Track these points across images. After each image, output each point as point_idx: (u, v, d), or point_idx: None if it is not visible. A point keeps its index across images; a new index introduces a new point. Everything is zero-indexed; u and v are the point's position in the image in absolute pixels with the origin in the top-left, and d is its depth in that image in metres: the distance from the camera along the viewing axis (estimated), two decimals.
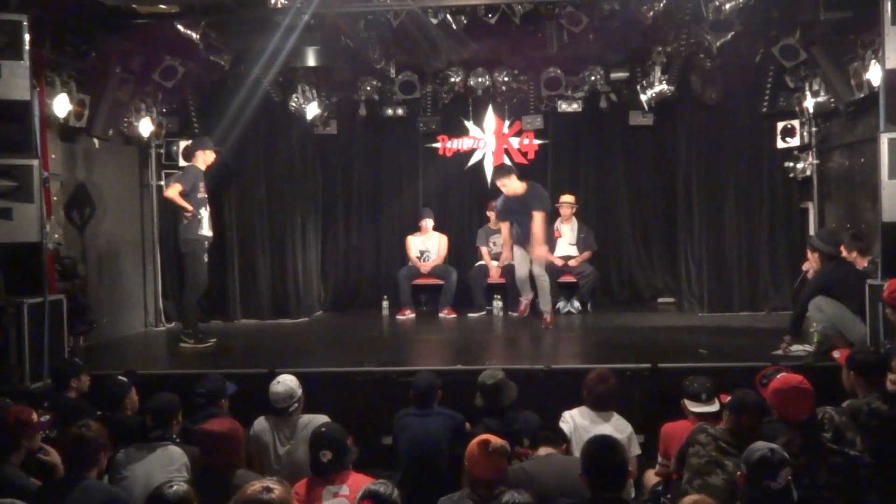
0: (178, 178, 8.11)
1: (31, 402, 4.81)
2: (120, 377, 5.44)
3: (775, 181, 9.48)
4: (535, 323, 8.78)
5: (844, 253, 6.75)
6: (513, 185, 8.31)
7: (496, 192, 10.15)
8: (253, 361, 7.12)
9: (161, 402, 4.66)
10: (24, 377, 5.99)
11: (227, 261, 9.79)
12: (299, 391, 5.07)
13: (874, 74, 6.86)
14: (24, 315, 6.02)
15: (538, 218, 8.14)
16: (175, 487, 3.29)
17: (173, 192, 7.86)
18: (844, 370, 4.69)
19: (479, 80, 9.52)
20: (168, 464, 4.32)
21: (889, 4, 5.90)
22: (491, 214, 9.92)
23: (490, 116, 10.35)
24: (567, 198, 9.86)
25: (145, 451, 4.39)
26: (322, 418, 4.89)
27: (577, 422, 4.92)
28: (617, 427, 4.89)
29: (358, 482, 3.93)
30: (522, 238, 8.36)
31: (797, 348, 6.55)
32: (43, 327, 6.15)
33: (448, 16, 7.83)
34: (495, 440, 3.83)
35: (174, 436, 4.57)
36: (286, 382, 5.06)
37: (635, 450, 4.98)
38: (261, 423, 5.05)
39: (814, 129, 8.91)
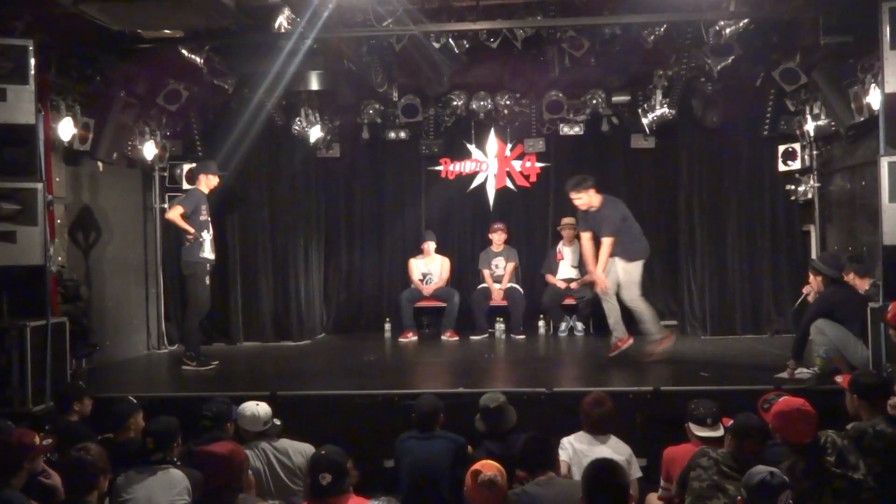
0: (180, 200, 8.15)
1: (33, 425, 4.81)
2: (129, 397, 5.43)
3: (777, 204, 9.51)
4: (536, 346, 8.80)
5: (845, 276, 6.76)
6: (586, 201, 7.71)
7: (498, 215, 10.26)
8: (255, 384, 7.11)
9: (161, 424, 4.64)
10: (27, 400, 5.98)
11: (229, 283, 9.81)
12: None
13: (874, 98, 6.89)
14: (27, 337, 6.01)
15: (604, 243, 7.51)
16: None
17: (174, 214, 7.90)
18: (848, 394, 4.68)
19: (482, 103, 9.59)
20: (169, 487, 4.30)
21: (888, 29, 5.95)
22: (493, 237, 9.95)
23: (492, 139, 10.38)
24: (568, 220, 9.87)
25: (146, 474, 4.35)
26: (304, 446, 4.91)
27: (575, 447, 4.89)
28: (616, 450, 4.86)
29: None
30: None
31: (801, 371, 6.54)
32: (45, 350, 6.15)
33: (450, 40, 7.90)
34: (487, 470, 3.82)
35: (175, 458, 4.55)
36: (263, 405, 5.10)
37: (636, 472, 4.95)
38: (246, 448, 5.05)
39: (815, 152, 8.95)
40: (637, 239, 7.73)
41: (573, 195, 7.77)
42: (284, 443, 5.04)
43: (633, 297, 7.60)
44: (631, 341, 7.75)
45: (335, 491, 4.01)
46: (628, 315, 7.77)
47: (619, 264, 7.57)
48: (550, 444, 4.43)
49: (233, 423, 5.24)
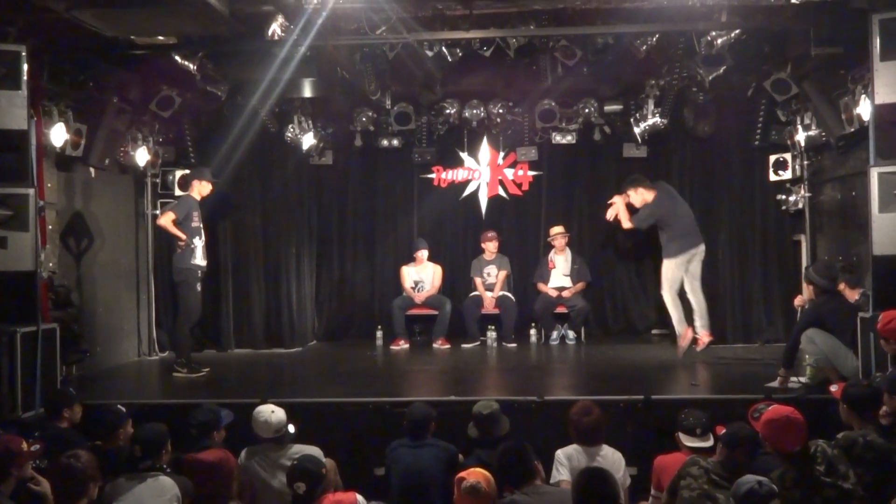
0: (172, 206, 8.16)
1: (22, 432, 4.79)
2: (119, 406, 5.41)
3: (768, 214, 9.56)
4: (528, 354, 8.79)
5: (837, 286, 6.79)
6: (637, 199, 8.52)
7: (490, 223, 10.27)
8: (246, 391, 7.09)
9: (150, 432, 4.62)
10: (16, 406, 5.95)
11: (221, 290, 9.79)
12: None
13: (864, 109, 6.93)
14: (17, 344, 6.00)
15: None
16: None
17: (166, 220, 7.90)
18: (840, 404, 4.69)
19: (474, 111, 9.59)
20: (159, 494, 4.28)
21: (878, 40, 5.99)
22: (485, 245, 9.95)
23: (485, 148, 10.40)
24: (557, 229, 9.87)
25: (135, 481, 4.34)
26: (313, 449, 4.89)
27: (571, 458, 4.88)
28: (608, 459, 4.86)
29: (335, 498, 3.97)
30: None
31: (791, 381, 6.56)
32: (36, 356, 6.13)
33: (443, 49, 7.91)
34: (472, 477, 3.82)
35: (164, 466, 4.54)
36: (278, 412, 5.07)
37: (627, 481, 4.95)
38: (250, 454, 5.03)
39: (805, 162, 8.98)
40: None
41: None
42: (295, 448, 5.03)
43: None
44: (690, 335, 8.22)
45: (310, 499, 4.07)
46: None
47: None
48: (527, 452, 4.36)
49: (221, 432, 5.23)
